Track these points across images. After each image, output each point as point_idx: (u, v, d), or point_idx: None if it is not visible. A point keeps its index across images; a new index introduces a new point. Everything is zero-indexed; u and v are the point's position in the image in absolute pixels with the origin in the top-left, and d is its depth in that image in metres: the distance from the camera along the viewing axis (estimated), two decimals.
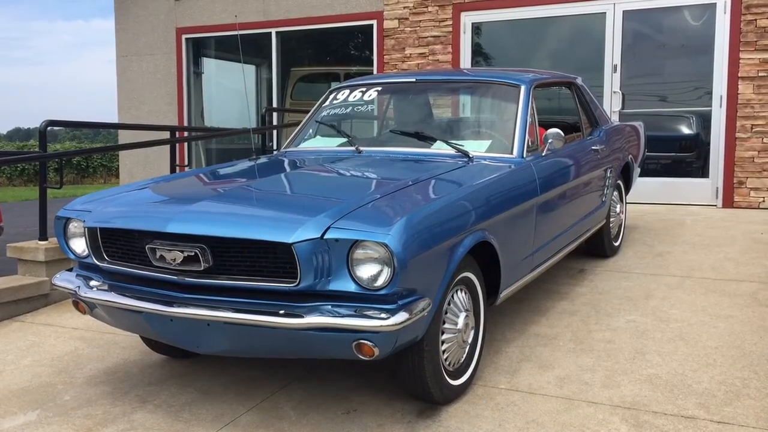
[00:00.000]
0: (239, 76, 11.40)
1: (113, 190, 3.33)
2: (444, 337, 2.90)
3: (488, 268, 3.23)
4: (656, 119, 8.06)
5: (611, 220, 5.19)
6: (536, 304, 4.26)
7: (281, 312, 2.55)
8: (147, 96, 10.61)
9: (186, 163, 9.41)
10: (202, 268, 2.65)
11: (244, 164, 3.88)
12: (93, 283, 3.01)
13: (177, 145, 7.36)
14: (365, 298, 2.57)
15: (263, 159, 4.04)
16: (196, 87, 10.77)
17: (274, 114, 9.31)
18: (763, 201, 7.38)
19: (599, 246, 5.16)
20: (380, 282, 2.53)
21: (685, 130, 8.39)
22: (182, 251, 2.65)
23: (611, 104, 7.98)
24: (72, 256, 3.16)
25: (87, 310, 3.08)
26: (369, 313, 2.52)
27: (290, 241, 2.50)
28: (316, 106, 4.49)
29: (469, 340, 3.09)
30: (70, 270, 3.21)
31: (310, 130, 4.40)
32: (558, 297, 4.40)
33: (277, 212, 2.81)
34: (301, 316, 2.54)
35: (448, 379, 2.94)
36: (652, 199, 7.68)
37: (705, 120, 7.82)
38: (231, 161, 4.13)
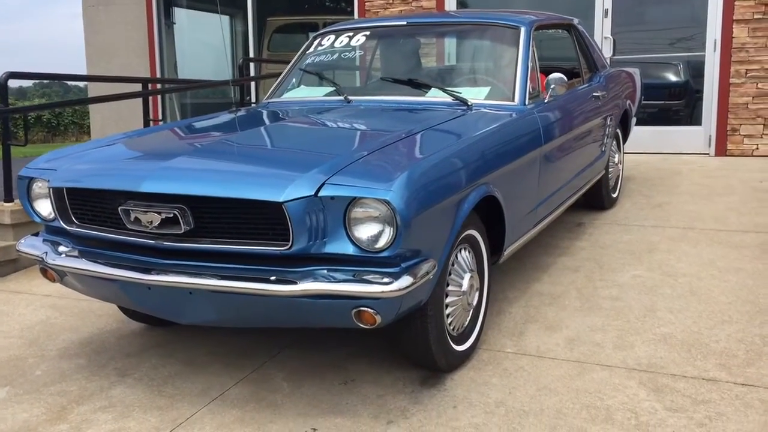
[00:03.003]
0: (213, 28, 10.91)
1: (81, 146, 3.02)
2: (448, 300, 2.68)
3: (491, 224, 3.00)
4: (645, 66, 7.82)
5: (610, 170, 4.98)
6: (536, 260, 4.06)
7: (272, 278, 2.30)
8: (117, 49, 10.12)
9: (160, 118, 9.00)
10: (182, 231, 2.39)
11: (223, 117, 3.57)
12: (62, 249, 2.73)
13: (150, 98, 6.99)
14: (365, 262, 2.33)
15: (244, 111, 3.74)
16: (168, 39, 10.29)
17: (252, 66, 8.91)
18: (757, 148, 7.20)
19: (597, 198, 4.95)
20: (381, 243, 2.29)
21: (675, 77, 8.16)
22: (159, 212, 2.38)
23: (602, 50, 7.69)
24: (38, 220, 2.87)
25: (56, 278, 2.81)
26: (369, 277, 2.28)
27: (281, 199, 2.24)
28: (299, 53, 4.17)
29: (474, 303, 2.87)
30: (37, 234, 2.93)
31: (294, 80, 4.10)
32: (558, 252, 4.19)
33: (264, 168, 2.54)
34: (295, 283, 2.29)
35: (452, 345, 2.73)
36: (643, 148, 7.46)
37: (696, 66, 7.59)
38: (208, 114, 3.82)
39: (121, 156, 2.78)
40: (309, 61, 4.05)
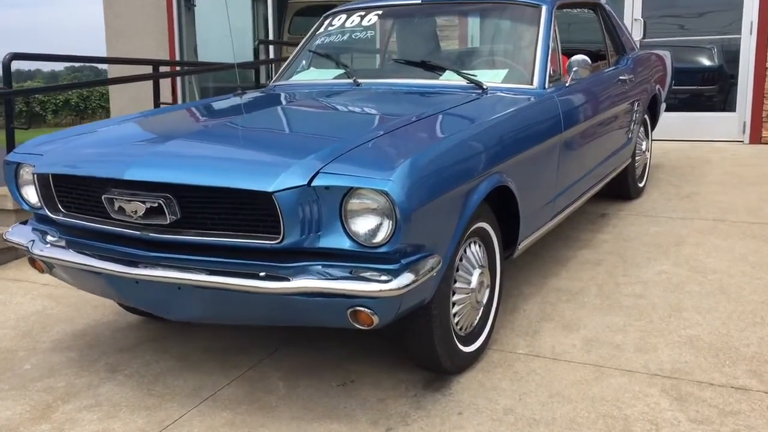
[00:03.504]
0: (235, 10, 10.74)
1: (76, 129, 2.88)
2: (455, 298, 2.50)
3: (504, 217, 2.80)
4: (677, 50, 7.50)
5: (636, 158, 4.73)
6: (555, 253, 3.85)
7: (261, 274, 2.14)
8: (136, 31, 10.00)
9: (174, 101, 8.86)
10: (168, 222, 2.23)
11: (226, 100, 3.41)
12: (49, 238, 2.60)
13: (169, 81, 6.84)
14: (362, 257, 2.15)
15: (249, 94, 3.56)
16: (188, 21, 10.15)
17: (272, 49, 8.74)
18: None
19: (623, 187, 4.71)
20: (380, 238, 2.11)
21: (708, 61, 7.83)
22: (144, 202, 2.22)
23: (632, 33, 7.38)
24: (26, 207, 2.74)
25: (45, 269, 2.68)
26: (367, 274, 2.11)
27: (270, 189, 2.07)
28: (309, 34, 3.98)
29: (484, 300, 2.68)
30: (25, 223, 2.80)
31: (303, 62, 3.91)
32: (579, 245, 3.98)
33: (256, 155, 2.36)
34: (287, 279, 2.13)
35: (459, 346, 2.55)
36: (674, 135, 7.16)
37: (731, 50, 7.26)
38: (213, 97, 3.66)
39: (109, 141, 2.62)
40: (319, 42, 3.86)
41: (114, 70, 10.13)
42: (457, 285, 2.50)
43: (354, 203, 2.10)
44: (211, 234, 2.22)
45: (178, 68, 7.89)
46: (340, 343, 2.88)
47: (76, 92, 26.35)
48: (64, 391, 2.61)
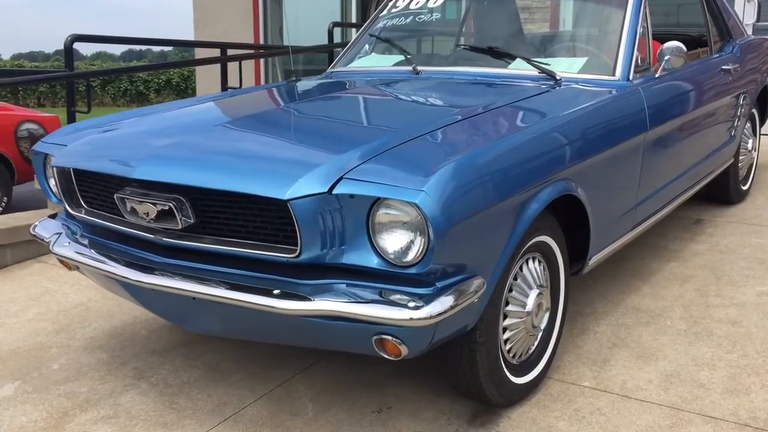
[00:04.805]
0: None
1: (105, 119, 2.71)
2: (507, 322, 2.17)
3: (573, 227, 2.44)
4: None
5: (741, 158, 4.19)
6: (637, 264, 3.42)
7: (276, 292, 1.88)
8: (222, 13, 10.00)
9: (240, 85, 8.75)
10: (181, 227, 2.01)
11: (272, 89, 3.18)
12: (71, 236, 2.44)
13: (253, 63, 6.61)
14: (392, 277, 1.86)
15: (301, 82, 3.32)
16: (274, 3, 10.05)
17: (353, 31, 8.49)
18: None
19: (723, 190, 4.19)
20: (411, 256, 1.81)
21: None
22: (155, 204, 2.01)
23: (743, 15, 6.68)
24: (54, 200, 2.59)
25: (72, 266, 2.52)
26: (396, 297, 1.82)
27: (285, 197, 1.80)
28: (372, 16, 3.69)
29: (543, 325, 2.34)
30: (54, 216, 2.66)
31: (366, 46, 3.63)
32: (667, 256, 3.53)
33: (278, 155, 2.10)
34: (306, 298, 1.86)
35: (510, 377, 2.22)
36: None
37: None
38: (269, 83, 3.44)
39: (131, 135, 2.41)
40: (380, 24, 3.56)
41: (202, 52, 10.18)
42: (510, 308, 2.17)
43: (383, 215, 1.81)
44: (226, 242, 1.98)
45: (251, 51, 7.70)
46: (382, 360, 2.59)
47: (175, 72, 26.85)
48: (85, 398, 2.45)
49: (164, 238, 2.06)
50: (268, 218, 1.89)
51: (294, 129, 2.37)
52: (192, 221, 2.00)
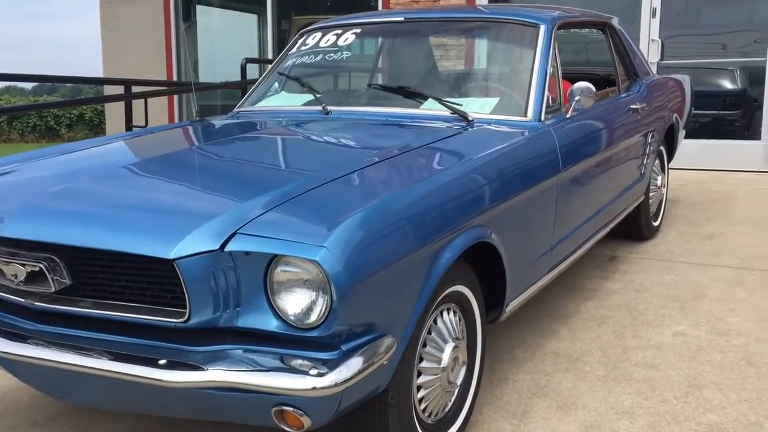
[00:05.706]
0: (237, 28, 10.41)
1: (8, 159, 2.46)
2: (421, 380, 2.03)
3: (488, 274, 2.34)
4: (698, 72, 7.03)
5: (651, 195, 4.25)
6: (554, 306, 3.37)
7: (162, 362, 1.69)
8: (133, 47, 9.68)
9: (146, 124, 8.44)
10: (54, 289, 1.79)
11: (177, 129, 2.99)
12: None
13: (167, 100, 6.39)
14: (293, 341, 1.70)
15: (205, 122, 3.14)
16: (189, 38, 9.82)
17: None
18: None
19: (635, 227, 4.22)
20: (313, 318, 1.66)
21: (731, 84, 7.34)
22: (23, 264, 1.79)
23: (648, 54, 6.92)
24: None
25: None
26: (296, 364, 1.65)
27: (170, 256, 1.62)
28: (281, 54, 3.57)
29: (459, 380, 2.21)
30: None
31: (276, 84, 3.49)
32: (583, 296, 3.50)
33: (165, 208, 1.91)
34: (198, 368, 1.68)
35: None
36: (693, 164, 6.66)
37: (755, 73, 6.78)
38: (173, 123, 3.24)
39: (11, 183, 2.19)
40: (289, 63, 3.44)
41: (110, 89, 9.81)
42: (424, 364, 2.04)
43: (281, 273, 1.66)
44: (107, 306, 1.78)
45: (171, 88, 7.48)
46: None
47: (88, 107, 25.97)
48: None
49: (36, 303, 1.83)
50: (153, 279, 1.71)
51: (192, 175, 2.19)
52: (68, 283, 1.79)
